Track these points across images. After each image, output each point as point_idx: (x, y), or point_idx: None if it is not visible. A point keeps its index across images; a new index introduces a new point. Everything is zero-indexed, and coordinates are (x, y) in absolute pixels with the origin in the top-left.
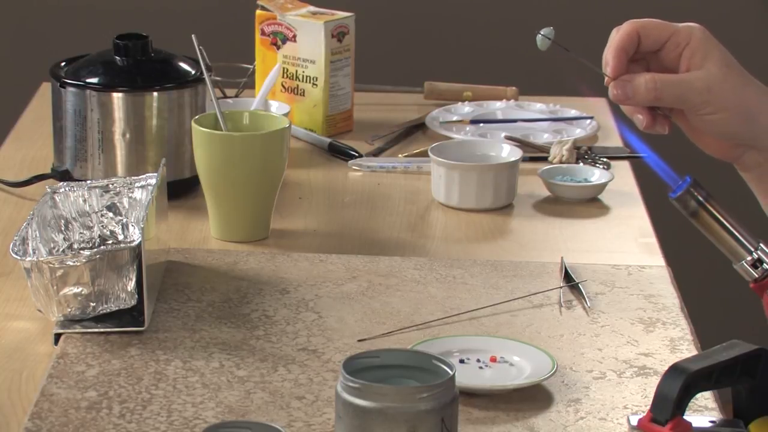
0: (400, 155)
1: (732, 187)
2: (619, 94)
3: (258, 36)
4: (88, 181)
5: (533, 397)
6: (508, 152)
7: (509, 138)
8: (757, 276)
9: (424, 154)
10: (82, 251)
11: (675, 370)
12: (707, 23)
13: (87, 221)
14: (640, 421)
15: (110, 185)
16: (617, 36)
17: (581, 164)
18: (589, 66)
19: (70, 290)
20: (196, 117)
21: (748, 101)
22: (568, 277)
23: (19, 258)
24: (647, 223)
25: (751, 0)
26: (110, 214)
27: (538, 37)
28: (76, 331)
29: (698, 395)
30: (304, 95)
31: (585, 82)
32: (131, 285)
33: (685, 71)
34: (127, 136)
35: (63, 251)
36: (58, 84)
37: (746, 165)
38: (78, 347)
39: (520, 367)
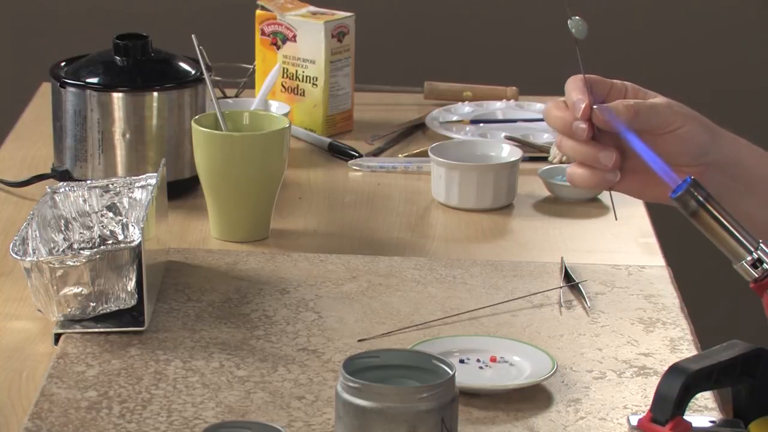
0: (400, 155)
1: None
2: (604, 114)
3: (258, 36)
4: (88, 181)
5: (533, 397)
6: (508, 152)
7: (509, 138)
8: (757, 276)
9: (424, 154)
10: (82, 251)
11: (675, 370)
12: (707, 23)
13: (87, 221)
14: (640, 421)
15: (110, 185)
16: (571, 80)
17: None
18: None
19: (70, 290)
20: (196, 117)
21: (698, 114)
22: (568, 277)
23: (19, 258)
24: (647, 223)
25: (751, 0)
26: (110, 214)
27: (575, 24)
28: (76, 331)
29: (698, 395)
30: (304, 95)
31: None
32: (131, 285)
33: None
34: (127, 136)
35: (63, 251)
36: (58, 84)
37: (715, 190)
38: (78, 347)
39: (520, 367)
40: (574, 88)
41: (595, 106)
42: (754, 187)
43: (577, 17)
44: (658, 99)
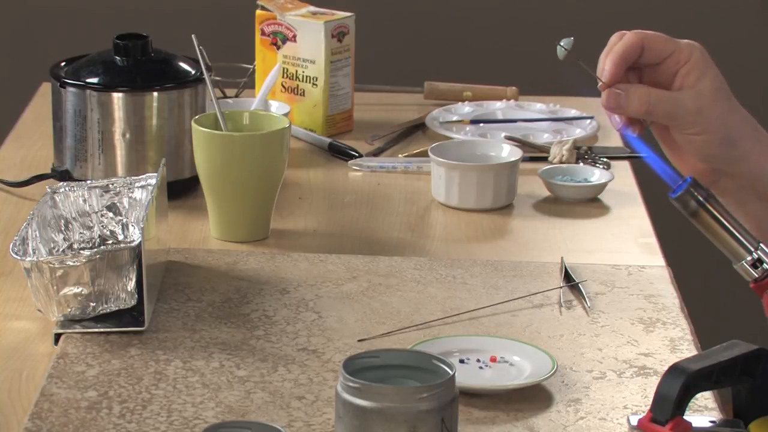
0: (400, 155)
1: None
2: (611, 103)
3: (258, 36)
4: (88, 181)
5: (533, 397)
6: (508, 152)
7: (509, 138)
8: (757, 276)
9: (424, 154)
10: (82, 251)
11: (675, 370)
12: (707, 23)
13: (87, 221)
14: (640, 421)
15: (110, 185)
16: (621, 44)
17: (581, 164)
18: (591, 74)
19: (70, 290)
20: (196, 117)
21: (732, 127)
22: (568, 277)
23: (19, 258)
24: (647, 223)
25: (751, 0)
26: (110, 214)
27: (559, 49)
28: (76, 331)
29: (698, 395)
30: (304, 95)
31: (585, 83)
32: (131, 285)
33: (677, 89)
34: (127, 136)
35: (63, 251)
36: (58, 84)
37: (721, 190)
38: (78, 347)
39: (520, 367)
40: (610, 55)
41: (612, 88)
42: None
43: (562, 43)
44: (697, 92)
